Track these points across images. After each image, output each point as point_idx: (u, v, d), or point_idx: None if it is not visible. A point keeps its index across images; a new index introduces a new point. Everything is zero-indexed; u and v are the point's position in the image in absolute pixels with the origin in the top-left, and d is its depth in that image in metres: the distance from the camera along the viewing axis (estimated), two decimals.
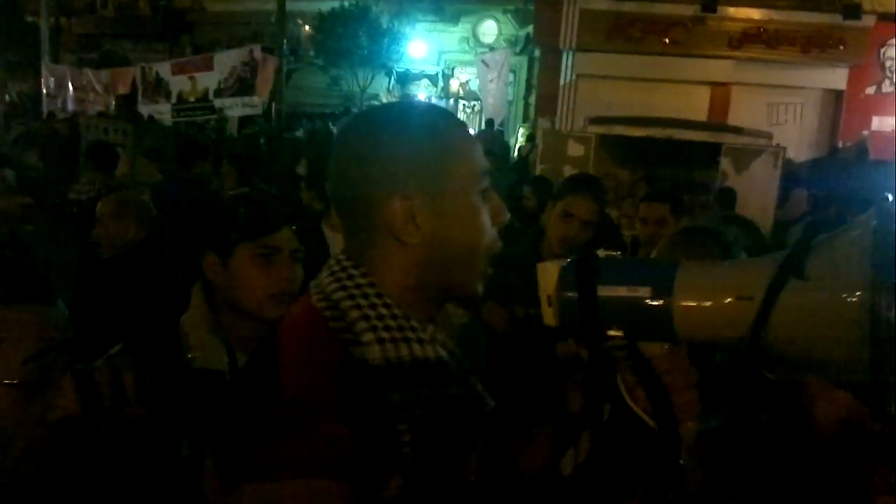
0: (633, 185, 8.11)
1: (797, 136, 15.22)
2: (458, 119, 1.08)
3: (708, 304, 0.86)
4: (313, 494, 0.84)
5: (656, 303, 0.88)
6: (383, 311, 0.96)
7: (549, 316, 0.96)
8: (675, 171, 8.70)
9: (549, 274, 0.96)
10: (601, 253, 0.95)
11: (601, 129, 8.85)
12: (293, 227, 1.73)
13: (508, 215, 1.03)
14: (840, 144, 14.95)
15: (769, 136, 9.41)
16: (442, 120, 1.02)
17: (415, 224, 0.96)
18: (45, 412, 0.95)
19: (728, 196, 6.88)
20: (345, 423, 0.87)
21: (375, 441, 0.89)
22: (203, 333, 1.67)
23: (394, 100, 20.79)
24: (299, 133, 16.91)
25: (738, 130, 9.31)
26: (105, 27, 23.18)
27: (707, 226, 2.41)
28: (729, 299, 0.84)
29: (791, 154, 9.84)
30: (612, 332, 0.91)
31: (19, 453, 0.94)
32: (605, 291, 0.91)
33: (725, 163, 8.07)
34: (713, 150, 8.24)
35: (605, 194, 3.25)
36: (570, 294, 0.93)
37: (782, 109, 16.06)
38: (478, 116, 18.99)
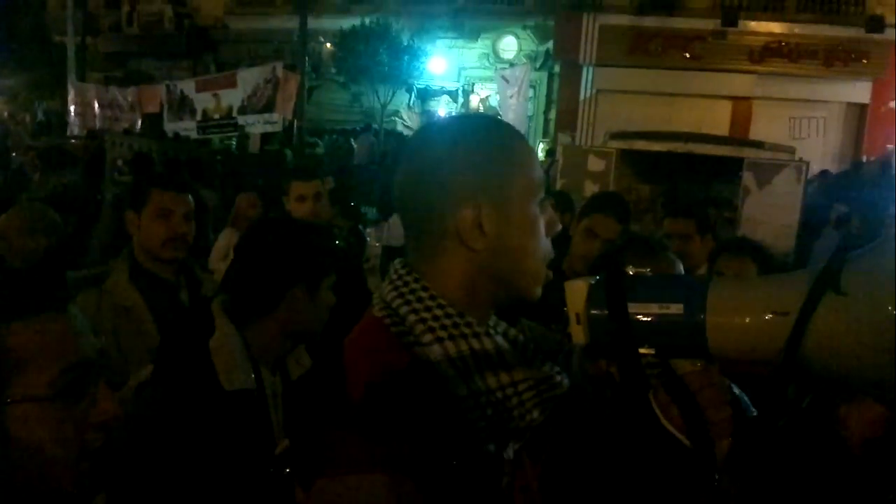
0: (653, 200, 8.09)
1: (820, 151, 15.09)
2: (519, 132, 1.13)
3: (742, 320, 0.85)
4: (375, 489, 0.88)
5: (689, 320, 0.87)
6: (438, 311, 1.00)
7: (578, 334, 0.96)
8: (696, 186, 8.65)
9: (577, 292, 0.96)
10: (630, 270, 0.96)
11: (622, 144, 8.83)
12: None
13: (560, 226, 1.06)
14: (864, 158, 14.80)
15: (792, 151, 9.33)
16: (507, 132, 1.08)
17: (481, 231, 1.00)
18: (84, 420, 0.95)
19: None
20: (411, 422, 0.92)
21: (448, 436, 0.93)
22: (231, 355, 1.67)
23: (414, 116, 20.94)
24: (320, 149, 17.06)
25: (759, 145, 9.24)
26: (130, 45, 23.50)
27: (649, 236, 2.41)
28: (764, 315, 0.83)
29: (814, 169, 9.76)
30: (643, 350, 0.91)
31: (64, 457, 0.94)
32: (635, 309, 0.91)
33: (747, 177, 8.00)
34: (735, 165, 8.19)
35: (630, 213, 3.25)
36: (600, 312, 0.93)
37: (804, 124, 15.95)
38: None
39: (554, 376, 1.06)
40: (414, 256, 1.07)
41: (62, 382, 0.93)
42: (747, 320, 0.85)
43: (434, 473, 0.90)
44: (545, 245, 1.06)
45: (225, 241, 5.14)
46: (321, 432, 0.96)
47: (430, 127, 1.21)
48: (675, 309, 0.88)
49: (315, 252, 1.81)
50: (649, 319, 0.90)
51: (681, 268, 1.83)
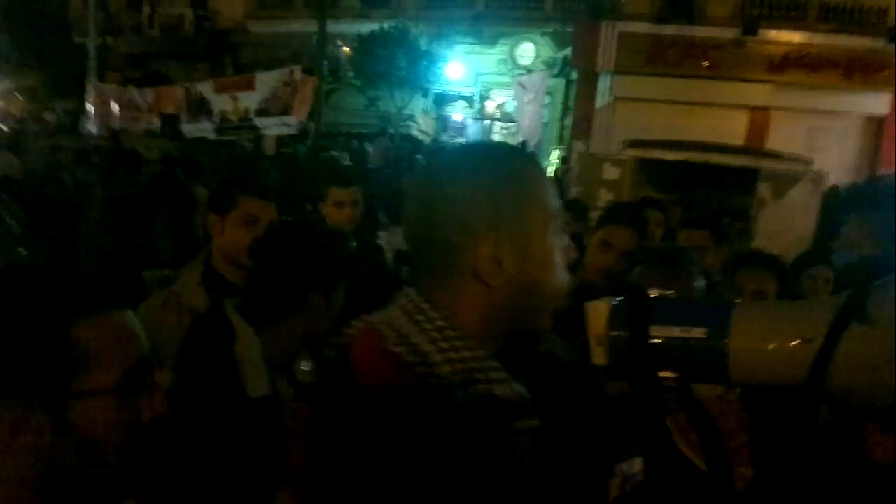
0: (669, 209, 8.05)
1: (837, 163, 14.96)
2: (535, 160, 1.11)
3: (766, 346, 0.84)
4: None
5: (711, 344, 0.86)
6: (466, 354, 0.96)
7: (598, 356, 0.95)
8: (711, 196, 8.61)
9: (598, 313, 0.95)
10: (653, 292, 0.94)
11: (638, 153, 8.80)
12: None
13: (576, 253, 1.04)
14: (882, 171, 14.68)
15: (809, 162, 9.28)
16: (522, 163, 1.04)
17: (500, 267, 0.97)
18: (137, 414, 0.99)
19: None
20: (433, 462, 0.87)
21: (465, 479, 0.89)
22: (255, 362, 1.66)
23: (430, 121, 20.97)
24: (336, 153, 17.11)
25: (776, 156, 9.19)
26: (151, 47, 23.71)
27: (674, 247, 2.40)
28: (789, 342, 0.82)
29: (831, 181, 9.69)
30: (663, 374, 0.90)
31: (118, 451, 0.98)
32: (657, 332, 0.89)
33: (763, 188, 7.97)
34: (751, 176, 8.14)
35: (647, 225, 3.24)
36: (621, 334, 0.92)
37: (822, 135, 15.84)
38: (512, 138, 19.03)
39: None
40: (426, 290, 1.02)
41: (126, 380, 0.97)
42: (771, 347, 0.84)
43: None
44: (563, 276, 1.03)
45: None
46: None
47: (442, 158, 1.15)
48: (698, 333, 0.87)
49: (334, 257, 1.80)
50: (671, 343, 0.89)
51: (701, 282, 1.81)
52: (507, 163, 1.02)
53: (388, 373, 0.95)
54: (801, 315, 0.85)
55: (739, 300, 0.94)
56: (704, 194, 8.53)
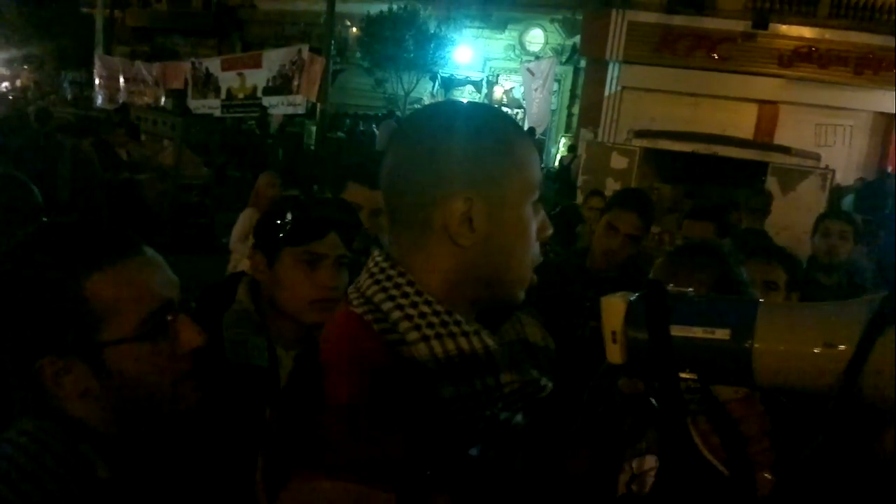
0: (675, 200, 8.03)
1: (845, 159, 14.93)
2: (522, 128, 1.08)
3: (792, 350, 0.82)
4: (350, 497, 0.83)
5: (735, 346, 0.83)
6: (425, 308, 0.94)
7: (613, 353, 0.91)
8: (718, 189, 8.58)
9: (614, 309, 0.91)
10: (672, 289, 0.90)
11: (645, 143, 8.74)
12: (341, 235, 1.71)
13: (552, 230, 1.02)
14: (889, 169, 14.64)
15: (817, 158, 9.22)
16: (508, 127, 1.01)
17: (470, 227, 0.94)
18: (174, 351, 1.04)
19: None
20: (392, 426, 0.87)
21: (431, 439, 0.88)
22: (244, 330, 1.68)
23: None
24: (340, 134, 17.09)
25: (785, 150, 9.12)
26: (158, 21, 23.60)
27: (707, 243, 2.39)
28: (815, 347, 0.80)
29: (838, 178, 9.67)
30: (684, 375, 0.87)
31: (168, 389, 1.05)
32: (678, 332, 0.86)
33: (771, 182, 7.91)
34: (759, 169, 8.10)
35: (653, 211, 3.23)
36: (639, 333, 0.89)
37: (830, 131, 15.78)
38: (520, 125, 18.95)
39: (540, 380, 1.02)
40: (396, 247, 1.00)
41: (146, 325, 1.02)
42: (798, 351, 0.82)
43: (414, 483, 0.85)
44: (535, 249, 1.01)
45: (246, 221, 5.16)
46: (295, 433, 0.90)
47: (430, 109, 1.12)
48: (721, 334, 0.84)
49: (347, 231, 1.77)
50: (692, 343, 0.86)
51: (744, 276, 1.79)
52: (494, 126, 0.99)
53: (350, 335, 0.95)
54: (829, 320, 0.83)
55: (763, 299, 0.90)
56: (712, 187, 8.50)
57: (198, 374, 1.08)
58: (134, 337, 1.01)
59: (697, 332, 0.85)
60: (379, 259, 0.99)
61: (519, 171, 0.97)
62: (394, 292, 0.95)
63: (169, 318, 1.04)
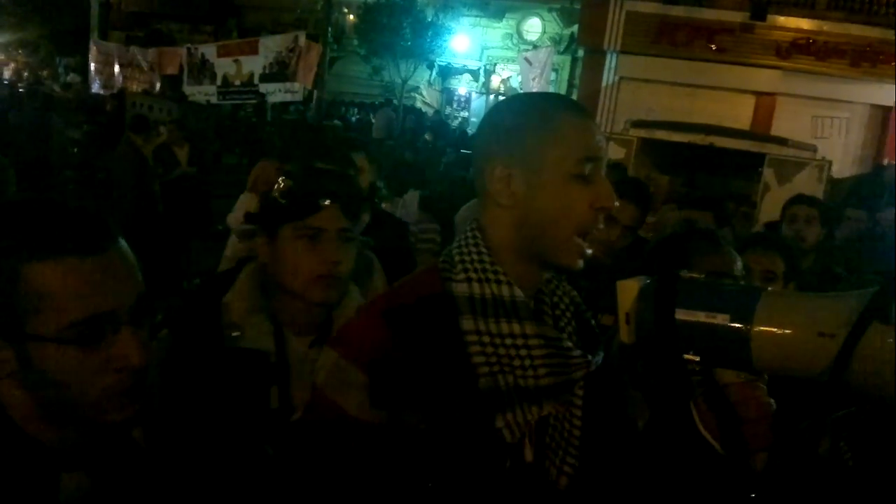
0: (672, 191, 8.04)
1: (841, 152, 14.93)
2: (578, 108, 1.19)
3: (787, 336, 0.86)
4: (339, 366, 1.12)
5: (734, 331, 0.88)
6: (475, 256, 1.15)
7: (625, 333, 0.98)
8: (715, 180, 8.59)
9: (628, 291, 0.98)
10: (684, 274, 0.95)
11: (643, 133, 8.75)
12: (342, 206, 1.66)
13: (615, 202, 1.12)
14: (885, 162, 14.65)
15: (814, 150, 9.23)
16: (556, 106, 1.16)
17: (510, 189, 1.13)
18: (105, 364, 0.96)
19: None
20: (411, 343, 1.08)
21: (448, 363, 1.06)
22: (244, 312, 1.64)
23: (434, 93, 20.83)
24: (338, 122, 17.02)
25: (782, 141, 9.13)
26: (154, 6, 23.45)
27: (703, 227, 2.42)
28: (810, 335, 0.85)
29: (834, 170, 9.68)
30: (688, 357, 0.92)
31: (95, 399, 0.97)
32: (683, 315, 0.91)
33: (768, 174, 7.93)
34: (755, 161, 8.11)
35: (650, 201, 3.23)
36: (647, 315, 0.94)
37: (827, 123, 15.77)
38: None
39: (573, 350, 1.11)
40: (479, 211, 1.19)
41: (76, 330, 0.93)
42: (793, 338, 0.86)
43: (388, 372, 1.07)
44: (579, 217, 1.11)
45: (244, 205, 5.13)
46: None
47: (503, 100, 1.33)
48: (722, 319, 0.89)
49: (347, 202, 1.71)
50: (696, 326, 0.91)
51: (740, 264, 1.81)
52: (540, 106, 1.17)
53: (418, 272, 1.23)
54: (825, 309, 0.87)
55: (770, 287, 0.97)
56: (708, 177, 8.51)
57: (133, 392, 1.00)
58: (57, 338, 0.93)
59: (700, 317, 0.91)
60: (472, 221, 1.20)
61: (558, 143, 1.11)
62: (462, 243, 1.18)
63: (108, 328, 0.96)
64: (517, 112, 1.18)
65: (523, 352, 1.08)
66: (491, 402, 1.06)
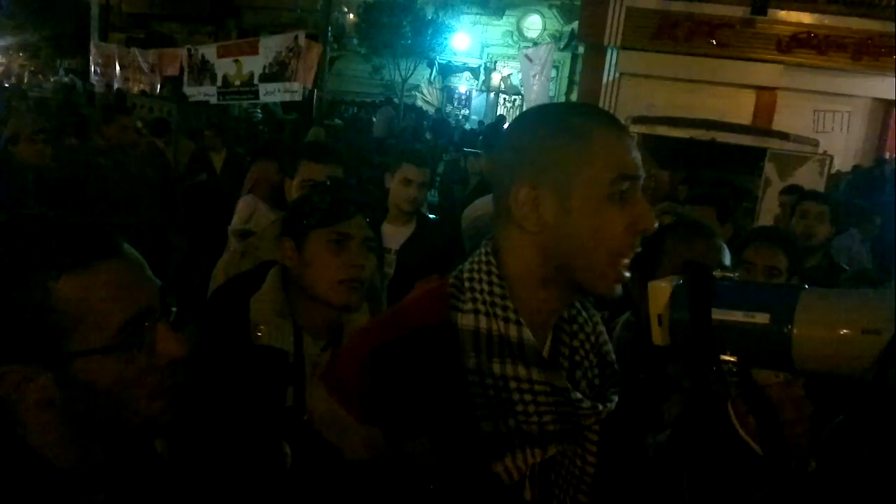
0: (673, 186, 8.03)
1: (843, 146, 14.88)
2: (612, 120, 1.07)
3: (831, 335, 0.84)
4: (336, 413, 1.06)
5: (775, 330, 0.86)
6: (486, 286, 1.04)
7: (658, 335, 0.95)
8: (716, 175, 8.57)
9: (660, 292, 0.95)
10: (717, 273, 0.93)
11: (643, 129, 8.76)
12: (366, 217, 1.80)
13: (654, 223, 1.02)
14: (887, 156, 14.61)
15: (816, 144, 9.23)
16: (587, 119, 1.04)
17: (537, 213, 1.01)
18: (149, 363, 0.94)
19: None
20: (409, 378, 1.01)
21: (446, 400, 0.99)
22: (270, 313, 1.74)
23: (435, 91, 20.80)
24: (339, 121, 17.01)
25: (783, 136, 9.15)
26: (154, 7, 23.46)
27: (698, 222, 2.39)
28: (854, 332, 0.82)
29: (836, 164, 9.65)
30: (725, 357, 0.90)
31: (139, 404, 0.95)
32: (719, 315, 0.89)
33: (769, 168, 7.92)
34: (757, 155, 8.10)
35: (651, 198, 3.22)
36: (682, 316, 0.92)
37: (829, 117, 15.73)
38: (518, 111, 18.91)
39: (583, 401, 1.03)
40: (494, 234, 1.10)
41: (123, 335, 0.92)
42: (836, 336, 0.83)
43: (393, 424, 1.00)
44: (615, 241, 1.00)
45: (246, 208, 5.11)
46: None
47: (527, 112, 1.20)
48: (761, 318, 0.87)
49: (372, 214, 1.86)
50: (733, 327, 0.88)
51: (727, 254, 1.80)
52: (566, 118, 1.05)
53: (425, 306, 1.09)
54: (867, 305, 0.84)
55: (806, 285, 0.93)
56: (710, 172, 8.50)
57: (176, 388, 0.98)
58: (106, 348, 0.90)
59: (738, 316, 0.88)
60: (486, 242, 1.10)
61: (591, 163, 1.00)
62: (475, 269, 1.07)
63: (146, 325, 0.94)
64: (545, 127, 1.04)
65: (528, 397, 1.00)
66: (491, 446, 0.99)
